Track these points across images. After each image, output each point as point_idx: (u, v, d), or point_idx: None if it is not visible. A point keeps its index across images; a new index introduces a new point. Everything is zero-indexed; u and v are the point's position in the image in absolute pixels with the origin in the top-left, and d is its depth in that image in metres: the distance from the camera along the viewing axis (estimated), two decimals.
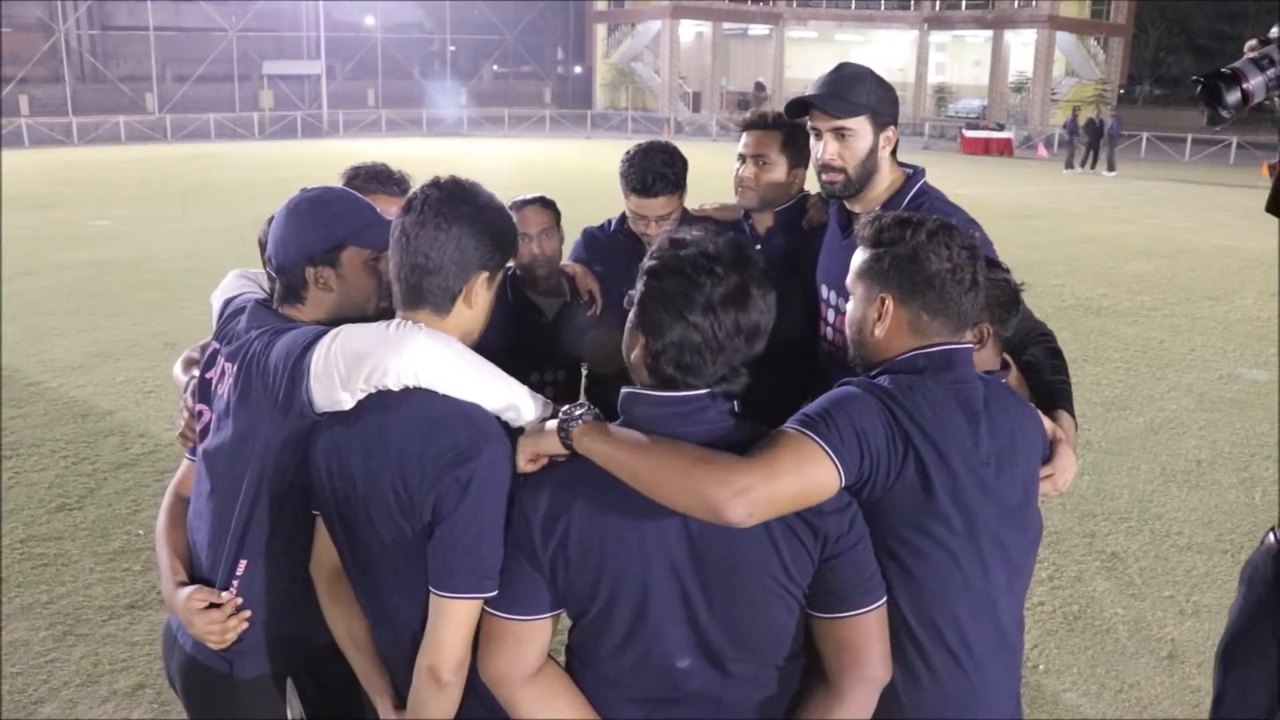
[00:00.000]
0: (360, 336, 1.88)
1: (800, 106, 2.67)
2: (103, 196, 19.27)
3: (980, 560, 1.89)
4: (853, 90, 2.59)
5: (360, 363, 1.84)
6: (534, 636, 1.82)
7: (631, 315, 1.85)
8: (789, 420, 1.81)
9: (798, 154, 3.07)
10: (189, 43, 42.51)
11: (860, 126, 2.59)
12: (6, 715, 3.74)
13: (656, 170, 3.15)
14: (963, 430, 1.87)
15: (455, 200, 1.90)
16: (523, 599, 1.81)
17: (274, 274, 2.11)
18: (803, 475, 1.72)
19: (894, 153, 2.70)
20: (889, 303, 1.96)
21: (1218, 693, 2.86)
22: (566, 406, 1.81)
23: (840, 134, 2.59)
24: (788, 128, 3.06)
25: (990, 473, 1.89)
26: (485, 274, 1.95)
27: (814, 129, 2.67)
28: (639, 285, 1.82)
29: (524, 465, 1.84)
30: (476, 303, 1.96)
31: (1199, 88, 2.28)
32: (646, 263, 1.83)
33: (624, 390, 1.85)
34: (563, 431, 1.78)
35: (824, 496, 1.75)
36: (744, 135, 3.16)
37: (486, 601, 1.82)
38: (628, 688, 1.85)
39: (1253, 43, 2.38)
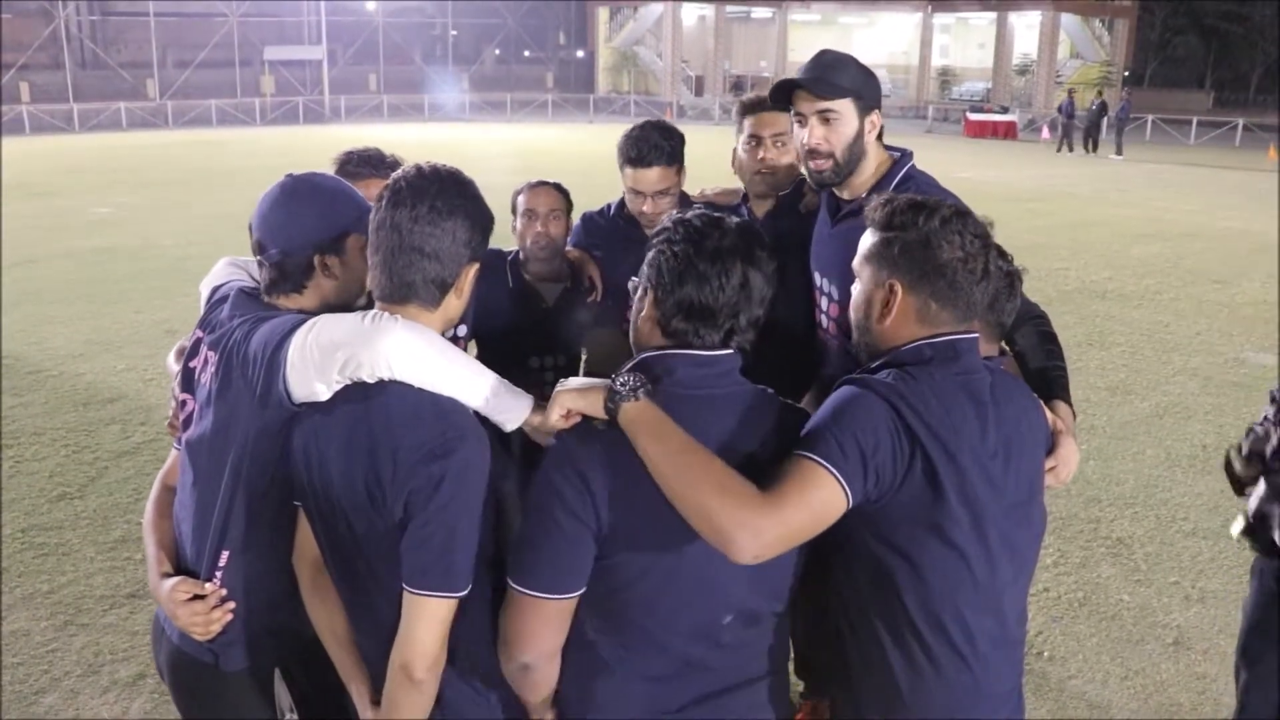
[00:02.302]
0: (335, 327, 1.84)
1: (785, 92, 2.63)
2: (104, 184, 19.22)
3: (987, 557, 1.86)
4: (836, 74, 2.55)
5: (335, 354, 1.81)
6: (575, 606, 1.83)
7: (639, 282, 1.88)
8: (799, 443, 1.80)
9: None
10: (190, 28, 42.42)
11: (845, 109, 2.55)
12: (8, 705, 3.73)
13: (652, 141, 3.13)
14: (971, 423, 1.84)
15: (448, 192, 1.86)
16: (578, 570, 1.79)
17: (269, 261, 2.04)
18: (813, 505, 1.73)
19: (880, 137, 2.66)
20: (898, 289, 1.92)
21: (1242, 686, 2.85)
22: (622, 375, 1.78)
23: (825, 117, 2.55)
24: None
25: (997, 465, 1.87)
26: (476, 264, 1.93)
27: (798, 115, 2.62)
28: (649, 253, 1.87)
29: (555, 420, 1.80)
30: (464, 292, 1.94)
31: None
32: (654, 233, 1.88)
33: (655, 351, 1.85)
34: (612, 400, 1.76)
35: (833, 519, 1.76)
36: (760, 116, 3.08)
37: (534, 586, 1.78)
38: (661, 639, 1.84)
39: None
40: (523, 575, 1.79)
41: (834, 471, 1.73)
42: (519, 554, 1.81)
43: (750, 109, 3.12)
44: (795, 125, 2.65)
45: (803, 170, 2.70)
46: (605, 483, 1.76)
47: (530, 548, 1.79)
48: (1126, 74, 44.17)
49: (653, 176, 3.15)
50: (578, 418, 1.81)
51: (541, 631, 1.81)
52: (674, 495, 1.69)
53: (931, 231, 1.89)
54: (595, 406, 1.78)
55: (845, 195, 2.66)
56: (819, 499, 1.72)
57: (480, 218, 1.91)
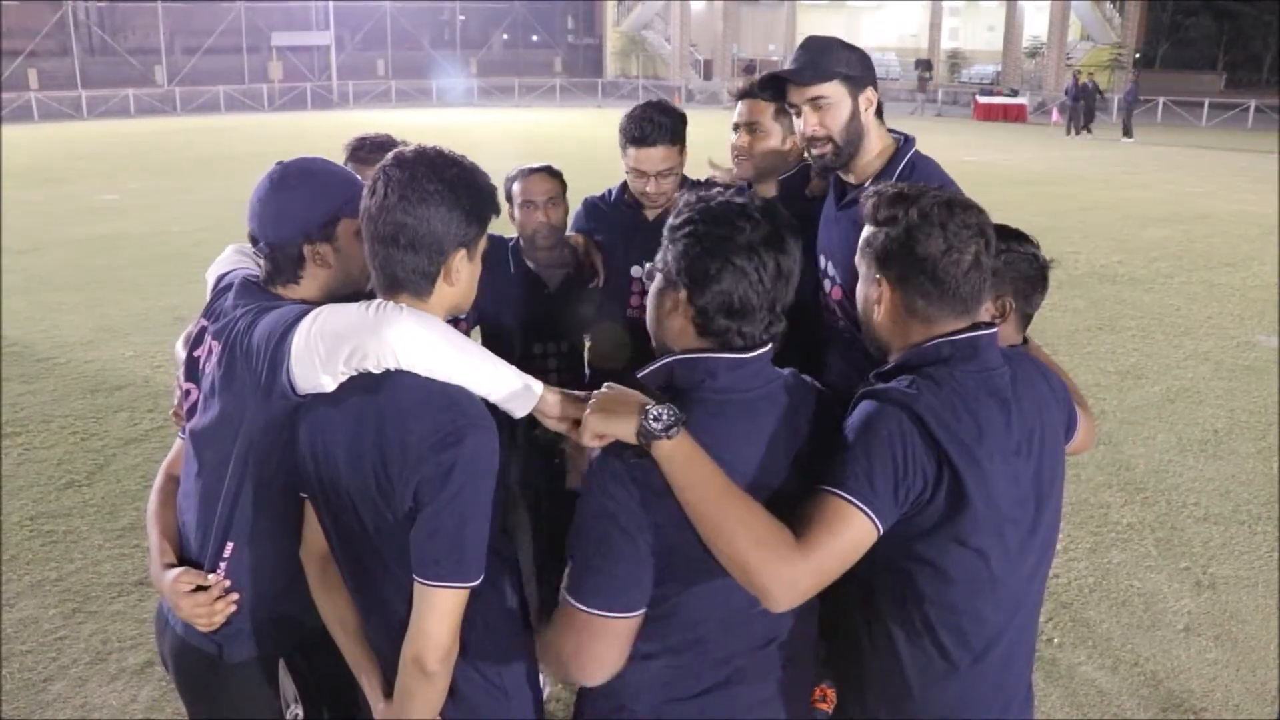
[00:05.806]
0: (340, 318, 1.81)
1: (771, 83, 2.64)
2: (112, 170, 19.25)
3: (1008, 556, 1.83)
4: (819, 59, 2.55)
5: (340, 345, 1.78)
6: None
7: (663, 276, 1.81)
8: (826, 474, 1.75)
9: (792, 121, 3.06)
10: (197, 14, 42.30)
11: (834, 92, 2.55)
12: (15, 693, 3.73)
13: (654, 121, 3.14)
14: (997, 423, 1.80)
15: (418, 180, 1.79)
16: (645, 584, 1.74)
17: (263, 253, 2.03)
18: (845, 547, 1.71)
19: (879, 113, 2.65)
20: (884, 285, 1.89)
21: None
22: (655, 408, 1.68)
23: (816, 104, 2.55)
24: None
25: (1021, 460, 1.83)
26: (463, 250, 1.86)
27: (791, 105, 2.63)
28: (670, 244, 1.80)
29: (589, 440, 1.75)
30: (459, 279, 1.88)
31: None
32: (674, 221, 1.80)
33: (691, 353, 1.79)
34: (645, 436, 1.67)
35: (863, 551, 1.74)
36: (739, 104, 3.15)
37: (604, 606, 1.72)
38: (710, 645, 1.82)
39: None
40: (589, 596, 1.73)
41: (864, 508, 1.69)
42: (580, 577, 1.75)
43: (737, 96, 3.18)
44: (794, 116, 2.66)
45: (807, 156, 2.71)
46: (657, 500, 1.70)
47: (593, 570, 1.73)
48: (1138, 55, 43.74)
49: (656, 156, 3.15)
50: (611, 438, 1.74)
51: (608, 654, 1.75)
52: (709, 540, 1.67)
53: (911, 225, 1.83)
54: (627, 434, 1.70)
55: (851, 179, 2.65)
56: (850, 539, 1.70)
57: (459, 203, 1.82)
